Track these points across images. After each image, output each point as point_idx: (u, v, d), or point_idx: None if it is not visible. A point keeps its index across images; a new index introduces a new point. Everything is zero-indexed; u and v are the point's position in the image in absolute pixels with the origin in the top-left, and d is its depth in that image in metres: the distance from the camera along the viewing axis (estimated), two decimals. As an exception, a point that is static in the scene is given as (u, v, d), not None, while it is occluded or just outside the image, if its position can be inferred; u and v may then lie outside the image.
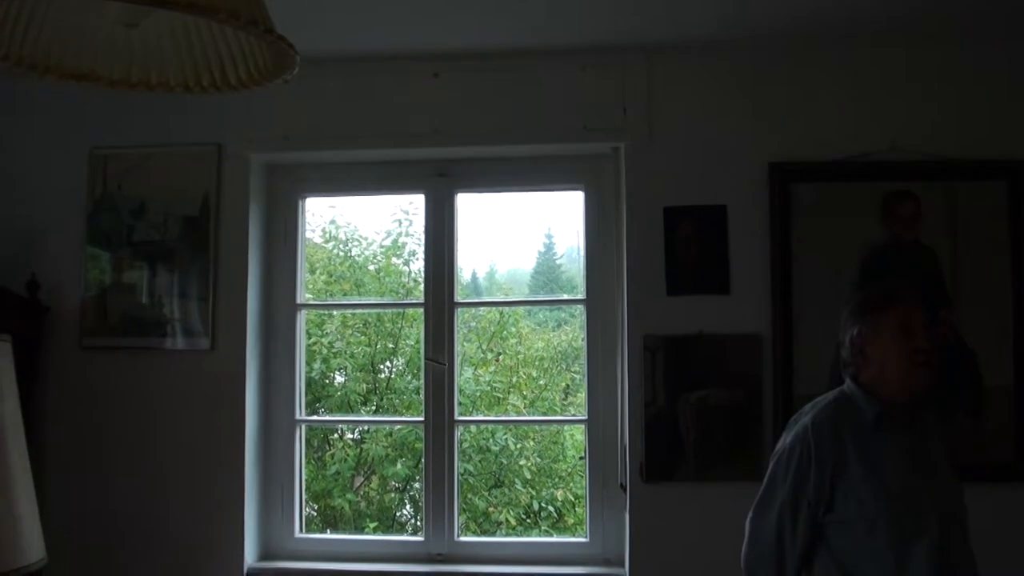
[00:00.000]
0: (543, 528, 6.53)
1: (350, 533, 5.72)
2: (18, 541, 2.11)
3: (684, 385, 3.43)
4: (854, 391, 2.62)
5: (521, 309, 6.98)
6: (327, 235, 6.86)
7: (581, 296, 3.79)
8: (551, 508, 6.65)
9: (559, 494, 6.65)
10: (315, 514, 6.24)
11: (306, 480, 4.00)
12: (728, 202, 3.48)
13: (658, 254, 3.47)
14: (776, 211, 3.42)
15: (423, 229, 3.86)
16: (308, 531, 4.01)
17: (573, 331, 7.08)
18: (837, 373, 2.70)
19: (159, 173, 3.77)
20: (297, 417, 3.89)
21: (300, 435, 3.92)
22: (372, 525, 6.41)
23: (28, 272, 3.74)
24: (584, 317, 3.73)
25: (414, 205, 6.74)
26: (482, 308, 6.64)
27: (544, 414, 6.62)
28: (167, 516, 3.75)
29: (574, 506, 6.53)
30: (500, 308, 6.74)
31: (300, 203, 3.91)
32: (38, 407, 3.78)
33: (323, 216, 6.88)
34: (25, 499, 2.17)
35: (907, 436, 2.58)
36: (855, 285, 3.35)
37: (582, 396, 4.12)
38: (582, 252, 3.73)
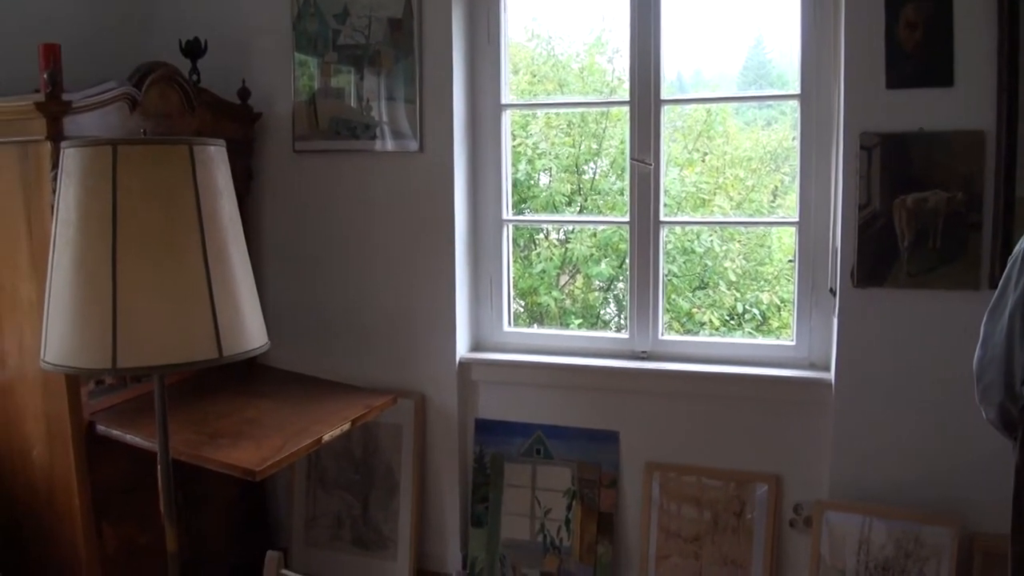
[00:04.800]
0: (747, 330, 6.50)
1: (556, 328, 5.86)
2: (242, 328, 2.25)
3: (901, 186, 3.22)
4: None
5: (729, 107, 6.74)
6: (529, 33, 6.76)
7: (795, 91, 3.60)
8: (755, 311, 6.59)
9: (764, 297, 6.55)
10: (522, 310, 6.41)
11: (513, 278, 4.10)
12: (956, -17, 3.18)
13: (878, 42, 3.19)
14: (1007, -8, 3.10)
15: (628, 23, 3.73)
16: (516, 325, 4.13)
17: (783, 129, 6.80)
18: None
19: (361, -27, 3.78)
20: (504, 217, 3.95)
21: (507, 234, 3.99)
22: (577, 322, 6.54)
23: (239, 80, 3.89)
24: (797, 114, 3.55)
25: (618, -2, 6.51)
26: (688, 106, 6.45)
27: (751, 216, 6.48)
28: (380, 309, 3.95)
29: (779, 310, 6.44)
30: (707, 106, 6.53)
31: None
32: (254, 208, 4.01)
33: (525, 14, 6.76)
34: (246, 291, 2.30)
35: None
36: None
37: (790, 198, 3.99)
38: (797, 41, 3.51)
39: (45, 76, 2.97)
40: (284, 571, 2.15)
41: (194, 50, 3.79)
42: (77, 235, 2.15)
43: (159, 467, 2.42)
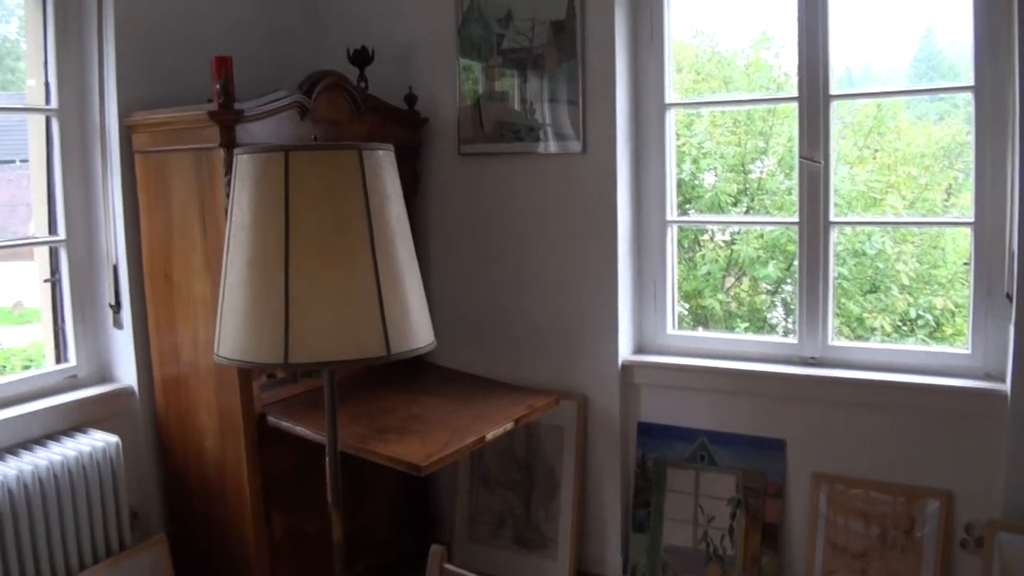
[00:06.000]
0: (919, 337, 6.25)
1: (721, 332, 5.76)
2: (409, 327, 2.30)
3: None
4: None
5: (900, 101, 6.49)
6: (693, 30, 6.68)
7: (968, 83, 3.41)
8: (928, 316, 6.34)
9: (938, 302, 6.29)
10: (686, 313, 6.33)
11: (678, 280, 4.05)
12: None
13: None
14: None
15: (795, 16, 3.61)
16: (680, 328, 4.08)
17: (956, 124, 6.50)
18: None
19: (524, -22, 3.81)
20: (668, 218, 3.91)
21: (671, 235, 3.95)
22: (743, 326, 6.42)
23: (406, 86, 3.97)
24: (971, 107, 3.36)
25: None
26: (858, 101, 6.25)
27: (924, 216, 6.22)
28: (543, 310, 3.98)
29: (953, 315, 6.17)
30: (877, 101, 6.30)
31: (665, -2, 3.81)
32: (421, 210, 4.09)
33: (689, 10, 6.68)
34: (413, 291, 2.34)
35: None
36: None
37: (964, 197, 3.79)
38: (970, 30, 3.33)
39: (218, 87, 3.11)
40: (447, 565, 2.18)
41: (362, 58, 3.90)
42: (251, 237, 2.23)
43: (327, 459, 2.49)
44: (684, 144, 6.18)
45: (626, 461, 3.94)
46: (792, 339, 3.77)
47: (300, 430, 3.24)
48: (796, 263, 3.75)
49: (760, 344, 3.89)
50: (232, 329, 2.26)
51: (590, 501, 3.98)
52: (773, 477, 3.67)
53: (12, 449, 3.21)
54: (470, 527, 4.16)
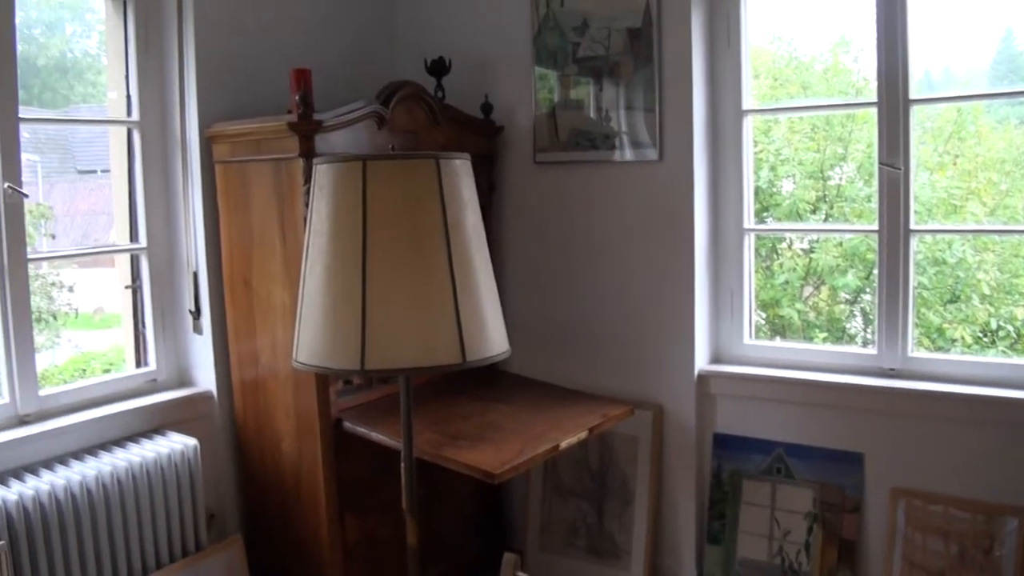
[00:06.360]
0: (1000, 348, 6.09)
1: (798, 342, 5.68)
2: (484, 335, 2.31)
3: None
4: None
5: (980, 105, 6.35)
6: (770, 36, 6.60)
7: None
8: (1010, 328, 6.17)
9: (1019, 313, 6.13)
10: (763, 322, 6.25)
11: (755, 289, 4.00)
12: None
13: None
14: None
15: (874, 19, 3.54)
16: (757, 338, 4.02)
17: (1036, 128, 6.35)
18: None
19: (600, -13, 3.79)
20: (745, 226, 3.86)
21: (749, 244, 3.90)
22: (821, 336, 6.31)
23: (482, 96, 3.98)
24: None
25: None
26: (938, 106, 6.12)
27: (1005, 223, 6.07)
28: (619, 319, 3.95)
29: (1033, 326, 6.02)
30: (957, 105, 6.17)
31: (742, 1, 3.77)
32: (496, 218, 4.10)
33: (766, 15, 6.59)
34: (489, 299, 2.35)
35: None
36: None
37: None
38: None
39: (297, 98, 3.14)
40: (520, 573, 2.17)
41: (439, 68, 3.92)
42: (329, 245, 2.26)
43: (403, 464, 2.50)
44: (762, 151, 6.10)
45: (701, 472, 3.90)
46: (871, 350, 3.70)
47: (376, 436, 3.26)
48: (876, 272, 3.68)
49: (839, 355, 3.81)
50: (310, 335, 2.28)
51: (664, 512, 3.94)
52: (851, 491, 3.59)
53: (92, 450, 3.29)
54: (542, 536, 4.14)
